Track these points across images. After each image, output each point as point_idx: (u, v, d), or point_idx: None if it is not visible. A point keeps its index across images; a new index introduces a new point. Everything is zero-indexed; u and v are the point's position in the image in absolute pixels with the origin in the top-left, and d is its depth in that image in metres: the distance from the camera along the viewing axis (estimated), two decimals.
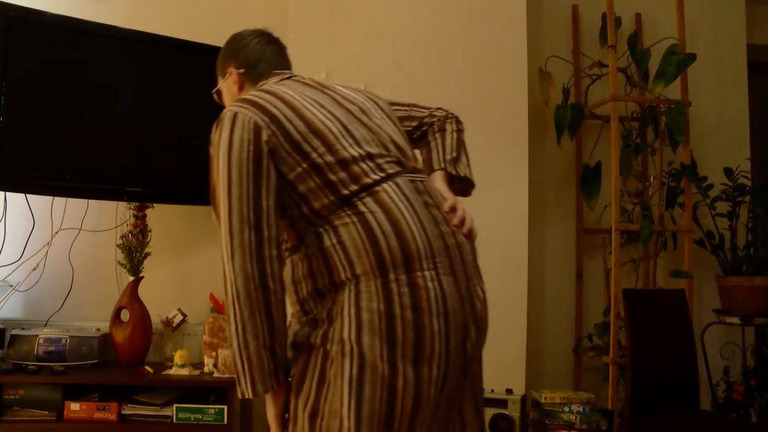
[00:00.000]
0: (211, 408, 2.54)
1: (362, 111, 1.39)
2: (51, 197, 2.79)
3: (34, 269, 2.84)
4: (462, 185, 1.58)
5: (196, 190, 2.67)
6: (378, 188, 1.25)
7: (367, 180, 1.25)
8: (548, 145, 3.31)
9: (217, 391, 2.66)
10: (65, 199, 2.83)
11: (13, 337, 2.55)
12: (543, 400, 2.53)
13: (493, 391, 2.48)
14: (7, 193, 2.78)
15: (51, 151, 2.53)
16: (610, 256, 2.98)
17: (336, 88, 1.44)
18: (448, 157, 1.54)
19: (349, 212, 1.23)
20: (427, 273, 1.20)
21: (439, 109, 1.64)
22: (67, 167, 2.60)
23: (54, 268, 2.90)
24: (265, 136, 1.24)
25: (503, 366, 2.84)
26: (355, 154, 1.27)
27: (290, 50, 2.92)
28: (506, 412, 2.43)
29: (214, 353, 2.72)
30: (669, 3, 3.20)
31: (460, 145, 1.58)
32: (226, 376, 2.66)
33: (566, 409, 2.51)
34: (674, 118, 2.97)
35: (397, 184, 1.27)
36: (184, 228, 3.05)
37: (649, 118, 3.21)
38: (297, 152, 1.25)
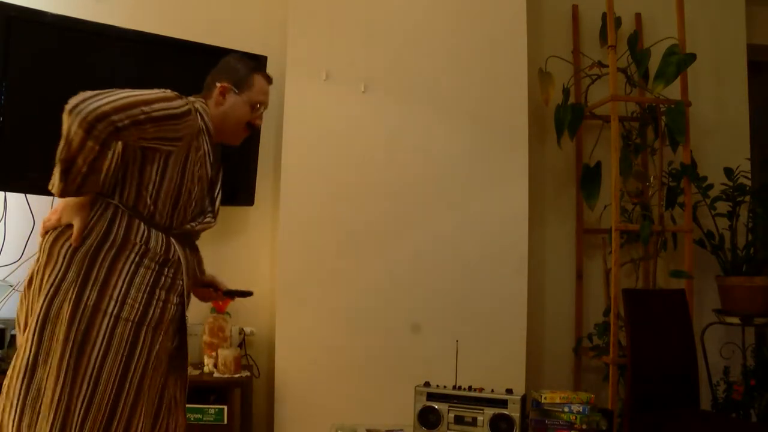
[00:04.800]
0: (211, 408, 2.54)
1: None
2: (51, 197, 2.77)
3: None
4: None
5: None
6: None
7: None
8: (548, 145, 3.31)
9: (217, 391, 2.66)
10: None
11: (13, 337, 2.55)
12: (543, 400, 2.53)
13: (493, 391, 2.48)
14: (7, 193, 2.78)
15: (51, 151, 2.53)
16: (610, 256, 2.98)
17: None
18: None
19: None
20: None
21: None
22: None
23: None
24: None
25: (503, 366, 2.85)
26: None
27: (290, 50, 2.94)
28: (506, 412, 2.42)
29: (213, 353, 2.72)
30: (669, 3, 3.19)
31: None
32: (226, 376, 2.66)
33: (566, 409, 2.51)
34: (674, 118, 2.97)
35: None
36: None
37: (649, 118, 3.21)
38: None
